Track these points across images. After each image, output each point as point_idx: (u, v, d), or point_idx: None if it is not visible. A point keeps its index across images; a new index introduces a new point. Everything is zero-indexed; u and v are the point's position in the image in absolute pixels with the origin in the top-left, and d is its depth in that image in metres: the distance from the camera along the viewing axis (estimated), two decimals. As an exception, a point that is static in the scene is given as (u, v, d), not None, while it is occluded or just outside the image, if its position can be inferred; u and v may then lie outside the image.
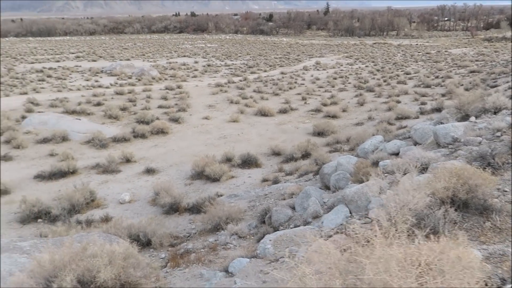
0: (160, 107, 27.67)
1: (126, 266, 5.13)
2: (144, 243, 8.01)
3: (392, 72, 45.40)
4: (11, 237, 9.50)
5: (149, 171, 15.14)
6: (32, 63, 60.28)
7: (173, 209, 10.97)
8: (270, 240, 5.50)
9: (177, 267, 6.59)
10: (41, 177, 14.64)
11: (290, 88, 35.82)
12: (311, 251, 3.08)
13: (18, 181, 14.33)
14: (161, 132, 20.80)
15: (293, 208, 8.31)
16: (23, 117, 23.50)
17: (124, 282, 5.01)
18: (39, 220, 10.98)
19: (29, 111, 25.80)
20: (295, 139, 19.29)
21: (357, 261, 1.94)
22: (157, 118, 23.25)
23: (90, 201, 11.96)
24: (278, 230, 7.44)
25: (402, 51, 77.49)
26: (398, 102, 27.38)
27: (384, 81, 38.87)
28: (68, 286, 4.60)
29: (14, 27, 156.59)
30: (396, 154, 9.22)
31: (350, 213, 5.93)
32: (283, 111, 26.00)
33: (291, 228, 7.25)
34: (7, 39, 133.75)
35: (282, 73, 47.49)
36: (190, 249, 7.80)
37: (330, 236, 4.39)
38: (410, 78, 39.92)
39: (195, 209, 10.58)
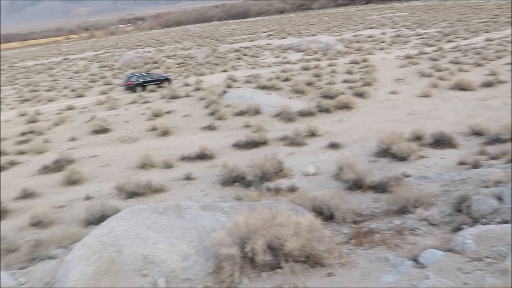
0: (344, 81, 27.43)
1: (311, 239, 5.25)
2: (327, 216, 8.10)
3: None
4: (214, 197, 11.02)
5: (333, 146, 15.24)
6: (231, 43, 67.71)
7: (356, 185, 10.80)
8: (471, 235, 4.78)
9: (360, 246, 6.43)
10: (238, 145, 16.46)
11: (498, 58, 30.48)
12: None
13: (220, 148, 16.45)
14: (346, 107, 20.61)
15: (499, 198, 7.11)
16: (224, 92, 26.74)
17: (309, 254, 5.15)
18: (236, 184, 12.38)
19: (229, 86, 29.24)
20: (503, 117, 16.31)
21: None
22: (342, 93, 23.12)
23: (278, 171, 12.81)
24: (478, 222, 6.52)
25: None
26: None
27: None
28: (259, 249, 4.99)
29: (217, 12, 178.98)
30: None
31: None
32: (487, 85, 22.36)
33: (497, 222, 6.22)
34: (212, 23, 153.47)
35: (487, 40, 40.81)
36: (374, 229, 7.51)
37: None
38: None
39: (380, 187, 10.16)
